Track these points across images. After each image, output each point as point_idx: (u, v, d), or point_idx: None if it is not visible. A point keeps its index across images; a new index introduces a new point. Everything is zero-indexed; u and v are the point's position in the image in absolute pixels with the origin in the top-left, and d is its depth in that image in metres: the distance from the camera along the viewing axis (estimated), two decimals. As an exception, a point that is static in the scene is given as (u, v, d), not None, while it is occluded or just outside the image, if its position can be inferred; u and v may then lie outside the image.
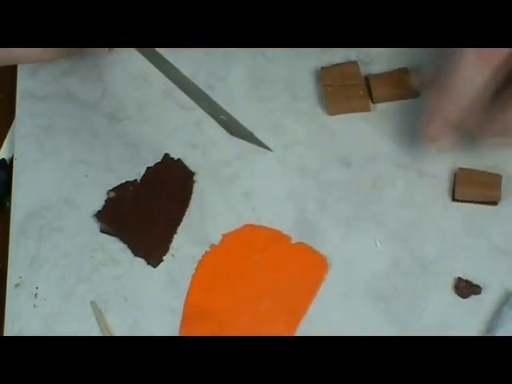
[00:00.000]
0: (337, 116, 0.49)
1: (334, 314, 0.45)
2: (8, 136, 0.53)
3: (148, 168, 0.49)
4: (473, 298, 0.44)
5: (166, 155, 0.49)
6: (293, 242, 0.47)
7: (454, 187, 0.46)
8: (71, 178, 0.50)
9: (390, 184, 0.47)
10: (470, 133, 0.43)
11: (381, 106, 0.49)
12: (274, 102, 0.50)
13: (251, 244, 0.47)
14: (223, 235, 0.48)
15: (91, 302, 0.47)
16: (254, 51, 0.51)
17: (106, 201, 0.49)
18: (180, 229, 0.48)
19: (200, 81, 0.51)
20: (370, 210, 0.47)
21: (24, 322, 0.47)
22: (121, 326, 0.47)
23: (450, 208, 0.46)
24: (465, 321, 0.44)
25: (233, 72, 0.51)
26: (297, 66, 0.50)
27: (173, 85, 0.48)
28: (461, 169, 0.46)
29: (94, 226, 0.49)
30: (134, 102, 0.51)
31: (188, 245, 0.48)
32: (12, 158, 0.51)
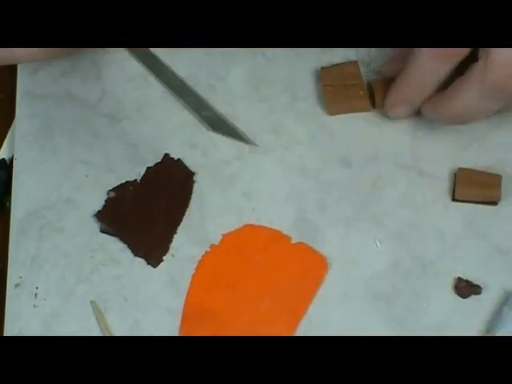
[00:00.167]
0: (337, 116, 0.49)
1: (333, 314, 0.45)
2: (8, 136, 0.53)
3: (148, 168, 0.49)
4: (473, 298, 0.44)
5: (166, 155, 0.49)
6: (293, 241, 0.47)
7: (454, 187, 0.46)
8: (71, 178, 0.50)
9: (390, 184, 0.47)
10: (424, 114, 0.46)
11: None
12: (274, 102, 0.50)
13: (251, 244, 0.47)
14: (223, 235, 0.48)
15: (91, 302, 0.47)
16: (253, 51, 0.51)
17: (106, 201, 0.49)
18: (180, 229, 0.48)
19: (200, 81, 0.51)
20: (370, 210, 0.47)
21: (24, 322, 0.47)
22: (121, 326, 0.47)
23: (450, 208, 0.46)
24: (465, 321, 0.44)
25: (233, 72, 0.51)
26: (297, 66, 0.50)
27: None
28: (461, 169, 0.46)
29: (94, 225, 0.49)
30: (133, 101, 0.51)
31: (188, 245, 0.48)
32: (12, 158, 0.51)
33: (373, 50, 0.50)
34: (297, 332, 0.45)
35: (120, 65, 0.52)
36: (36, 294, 0.48)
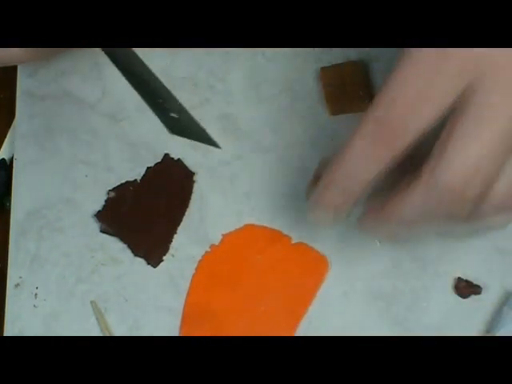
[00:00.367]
0: (337, 116, 0.49)
1: (334, 313, 0.45)
2: (8, 136, 0.53)
3: (148, 168, 0.49)
4: (473, 297, 0.44)
5: (166, 155, 0.49)
6: (293, 242, 0.47)
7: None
8: (71, 178, 0.50)
9: (389, 184, 0.47)
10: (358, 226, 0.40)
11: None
12: (274, 102, 0.50)
13: (251, 244, 0.47)
14: (223, 235, 0.48)
15: (91, 302, 0.47)
16: (253, 51, 0.51)
17: (106, 201, 0.49)
18: (180, 229, 0.48)
19: (200, 81, 0.51)
20: (370, 209, 0.47)
21: (24, 322, 0.47)
22: (121, 326, 0.47)
23: (450, 208, 0.46)
24: (465, 321, 0.44)
25: (233, 72, 0.51)
26: (297, 66, 0.50)
27: (173, 84, 0.48)
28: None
29: (94, 225, 0.49)
30: (133, 101, 0.51)
31: (188, 245, 0.48)
32: (12, 157, 0.51)
33: (373, 50, 0.50)
34: (297, 332, 0.45)
35: (120, 65, 0.52)
36: (36, 294, 0.48)
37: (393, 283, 0.45)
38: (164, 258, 0.48)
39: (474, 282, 0.44)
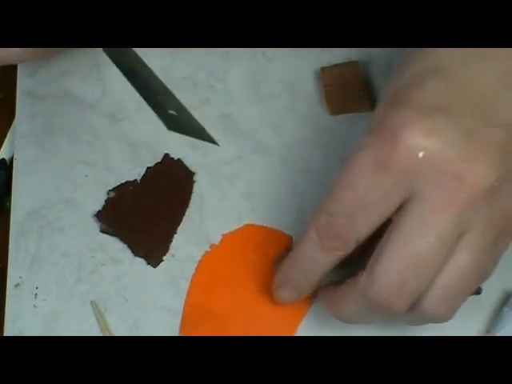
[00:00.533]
0: (337, 116, 0.49)
1: (334, 314, 0.45)
2: (8, 136, 0.53)
3: (148, 168, 0.49)
4: (473, 298, 0.44)
5: (166, 155, 0.49)
6: (293, 242, 0.47)
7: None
8: (71, 178, 0.50)
9: (390, 184, 0.47)
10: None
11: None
12: (274, 102, 0.50)
13: (251, 244, 0.47)
14: (223, 235, 0.48)
15: (91, 302, 0.47)
16: (253, 51, 0.51)
17: (106, 201, 0.49)
18: (180, 229, 0.48)
19: (200, 81, 0.51)
20: (370, 210, 0.47)
21: (24, 322, 0.47)
22: (121, 326, 0.47)
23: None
24: (465, 321, 0.44)
25: (233, 72, 0.51)
26: (297, 65, 0.50)
27: (173, 84, 0.48)
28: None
29: (94, 225, 0.49)
30: (133, 101, 0.51)
31: (188, 245, 0.48)
32: (12, 157, 0.51)
33: (373, 50, 0.50)
34: (297, 332, 0.45)
35: (120, 65, 0.52)
36: (36, 294, 0.48)
37: (393, 283, 0.45)
38: (164, 257, 0.48)
39: (474, 282, 0.44)
